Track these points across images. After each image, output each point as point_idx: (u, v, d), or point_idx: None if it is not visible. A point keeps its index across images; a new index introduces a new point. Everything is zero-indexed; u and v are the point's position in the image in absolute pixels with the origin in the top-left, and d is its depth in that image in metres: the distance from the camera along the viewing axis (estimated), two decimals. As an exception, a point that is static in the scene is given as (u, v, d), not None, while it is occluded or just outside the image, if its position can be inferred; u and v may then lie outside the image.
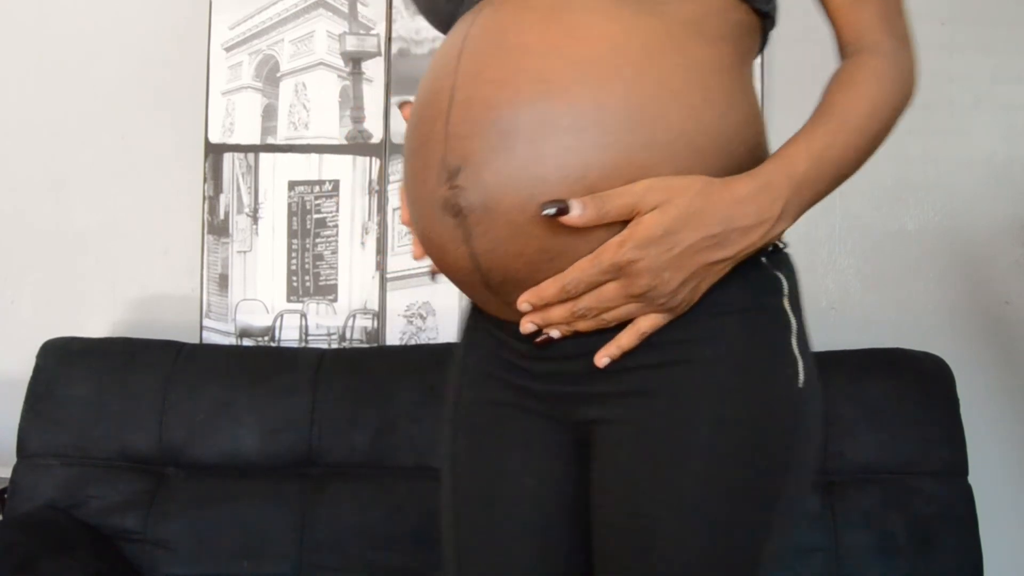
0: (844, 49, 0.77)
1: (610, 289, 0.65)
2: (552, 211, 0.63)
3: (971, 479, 1.55)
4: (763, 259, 0.70)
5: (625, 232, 0.63)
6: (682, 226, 0.63)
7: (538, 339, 0.70)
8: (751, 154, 0.70)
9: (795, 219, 0.68)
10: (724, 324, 0.68)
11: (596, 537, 0.75)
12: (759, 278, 0.70)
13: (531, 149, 0.64)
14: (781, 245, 0.74)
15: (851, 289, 1.84)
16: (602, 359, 0.69)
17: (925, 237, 1.83)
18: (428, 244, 0.74)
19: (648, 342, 0.68)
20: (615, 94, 0.64)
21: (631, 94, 0.65)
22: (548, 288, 0.66)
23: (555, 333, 0.69)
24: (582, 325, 0.68)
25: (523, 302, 0.67)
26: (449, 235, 0.69)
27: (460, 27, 0.73)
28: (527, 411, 0.79)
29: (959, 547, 1.51)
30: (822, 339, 1.76)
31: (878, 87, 0.72)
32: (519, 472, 0.80)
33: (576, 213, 0.62)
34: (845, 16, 0.76)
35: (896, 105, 0.73)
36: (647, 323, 0.67)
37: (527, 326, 0.69)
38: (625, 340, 0.68)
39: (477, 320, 0.84)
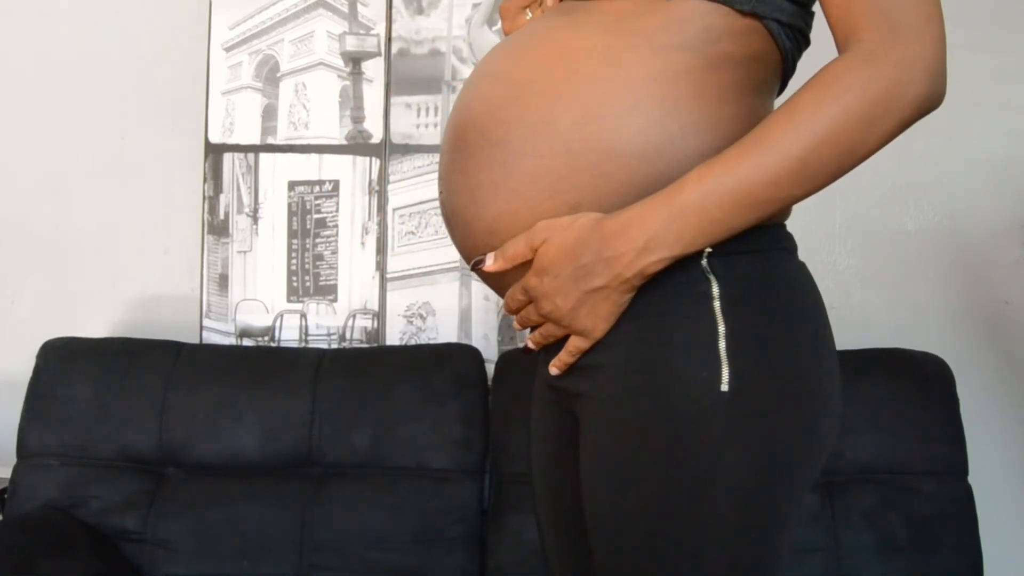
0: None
1: (530, 310, 0.75)
2: (474, 266, 0.77)
3: (971, 479, 1.55)
4: (701, 262, 0.70)
5: (534, 261, 0.73)
6: (561, 258, 0.70)
7: (523, 349, 0.81)
8: (699, 160, 0.70)
9: (686, 244, 0.68)
10: (630, 329, 0.72)
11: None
12: (678, 285, 0.71)
13: (469, 161, 0.77)
14: (706, 250, 0.70)
15: (851, 289, 1.84)
16: (552, 369, 0.77)
17: (925, 237, 1.83)
18: None
19: (593, 347, 0.74)
20: (537, 109, 0.73)
21: (552, 108, 0.73)
22: (489, 262, 0.77)
23: (530, 344, 0.79)
24: (533, 339, 0.78)
25: (476, 259, 0.79)
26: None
27: None
28: (554, 404, 0.86)
29: (959, 547, 1.51)
30: (822, 339, 1.75)
31: (826, 97, 0.66)
32: (552, 460, 0.88)
33: (488, 263, 0.76)
34: (836, 8, 0.69)
35: (865, 113, 0.65)
36: (571, 343, 0.74)
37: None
38: (563, 355, 0.76)
39: None
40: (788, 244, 0.78)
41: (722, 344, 0.69)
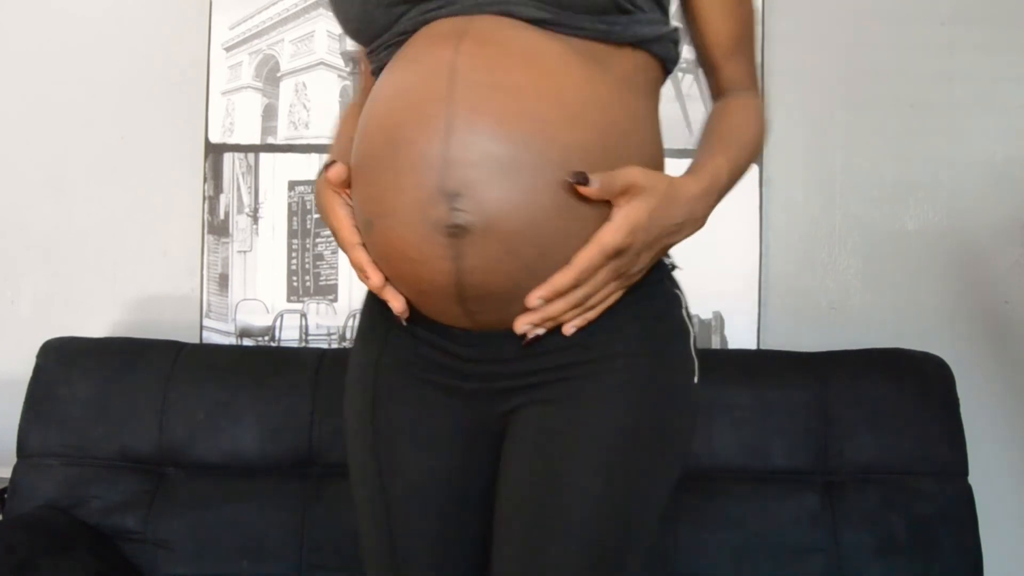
0: (719, 94, 0.94)
1: (603, 273, 0.75)
2: (574, 179, 0.72)
3: (971, 479, 1.55)
4: (665, 279, 0.86)
5: (619, 219, 0.73)
6: (660, 212, 0.74)
7: (526, 340, 0.78)
8: (625, 112, 0.82)
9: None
10: (635, 326, 0.81)
11: (499, 510, 0.84)
12: (662, 293, 0.85)
13: (531, 180, 0.73)
14: (670, 266, 0.88)
15: (851, 289, 1.84)
16: (569, 329, 0.78)
17: (925, 237, 1.83)
18: (400, 259, 0.78)
19: (569, 340, 0.78)
20: (589, 135, 0.75)
21: (600, 135, 0.76)
22: (560, 280, 0.74)
23: (541, 331, 0.77)
24: (570, 315, 0.77)
25: (536, 298, 0.75)
26: (436, 252, 0.75)
27: (434, 57, 0.77)
28: (450, 407, 0.86)
29: (959, 547, 1.51)
30: (822, 339, 1.76)
31: (758, 118, 0.91)
32: (435, 466, 0.88)
33: (594, 186, 0.72)
34: (723, 69, 0.94)
35: (763, 136, 0.92)
36: (613, 298, 0.78)
37: (521, 326, 0.77)
38: (593, 314, 0.78)
39: (388, 324, 0.88)
40: None
41: (692, 345, 0.86)
